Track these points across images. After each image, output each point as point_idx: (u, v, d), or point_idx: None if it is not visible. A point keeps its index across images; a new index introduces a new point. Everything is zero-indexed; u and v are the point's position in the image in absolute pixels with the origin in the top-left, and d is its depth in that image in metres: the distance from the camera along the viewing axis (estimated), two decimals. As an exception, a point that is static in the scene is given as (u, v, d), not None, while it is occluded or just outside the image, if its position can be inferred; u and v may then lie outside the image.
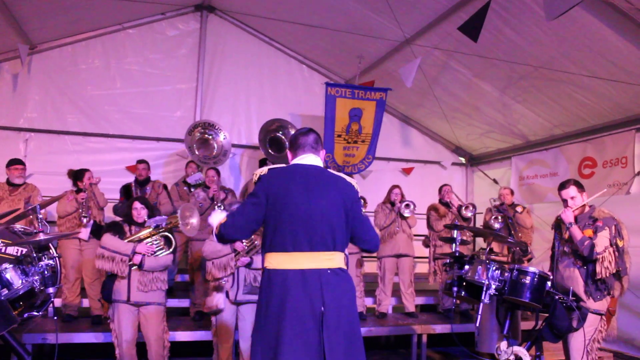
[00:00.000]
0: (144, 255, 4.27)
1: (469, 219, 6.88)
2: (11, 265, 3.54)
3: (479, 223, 7.41)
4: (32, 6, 6.31)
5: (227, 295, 4.35)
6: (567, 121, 6.86)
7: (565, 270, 4.10)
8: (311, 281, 2.56)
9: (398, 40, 6.74)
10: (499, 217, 6.53)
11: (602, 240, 3.85)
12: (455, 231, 4.85)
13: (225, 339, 4.42)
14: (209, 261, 4.35)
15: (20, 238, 3.86)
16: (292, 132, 7.23)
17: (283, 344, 2.47)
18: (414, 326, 6.20)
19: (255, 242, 4.33)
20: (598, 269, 3.85)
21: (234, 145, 8.08)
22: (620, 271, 3.90)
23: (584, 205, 4.09)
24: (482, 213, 7.12)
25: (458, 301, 5.58)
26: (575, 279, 4.01)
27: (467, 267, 4.22)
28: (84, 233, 5.57)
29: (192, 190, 6.48)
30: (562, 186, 4.17)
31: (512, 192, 6.95)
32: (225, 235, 2.70)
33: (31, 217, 5.19)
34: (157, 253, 4.36)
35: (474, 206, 6.93)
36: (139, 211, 4.47)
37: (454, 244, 4.75)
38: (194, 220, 4.42)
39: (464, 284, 4.22)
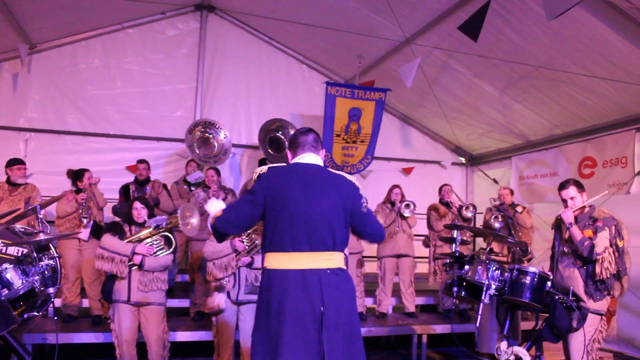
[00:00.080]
0: (144, 255, 4.27)
1: (469, 219, 6.88)
2: (11, 266, 3.54)
3: (479, 223, 7.41)
4: (32, 6, 6.31)
5: (229, 296, 4.35)
6: (567, 121, 6.86)
7: (565, 270, 4.10)
8: (311, 281, 2.56)
9: (398, 39, 6.74)
10: (499, 217, 6.54)
11: (602, 241, 3.85)
12: (455, 231, 4.85)
13: (226, 339, 4.42)
14: (210, 262, 4.35)
15: (21, 238, 3.87)
16: (292, 132, 7.22)
17: (283, 344, 2.47)
18: (414, 326, 6.20)
19: (256, 242, 4.33)
20: (598, 269, 3.85)
21: (234, 145, 8.08)
22: (620, 271, 3.90)
23: (584, 206, 4.09)
24: (482, 213, 7.12)
25: (457, 301, 5.58)
26: (575, 279, 4.01)
27: (467, 267, 4.22)
28: (84, 233, 5.56)
29: (192, 188, 6.49)
30: (562, 186, 4.17)
31: (512, 192, 6.95)
32: (218, 228, 2.71)
33: (32, 217, 5.21)
34: (157, 253, 4.36)
35: (474, 207, 6.93)
36: (139, 211, 4.47)
37: (454, 244, 4.75)
38: (194, 220, 4.42)
39: (464, 284, 4.23)
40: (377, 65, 7.71)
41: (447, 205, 6.85)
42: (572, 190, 4.09)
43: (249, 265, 4.38)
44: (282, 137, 7.44)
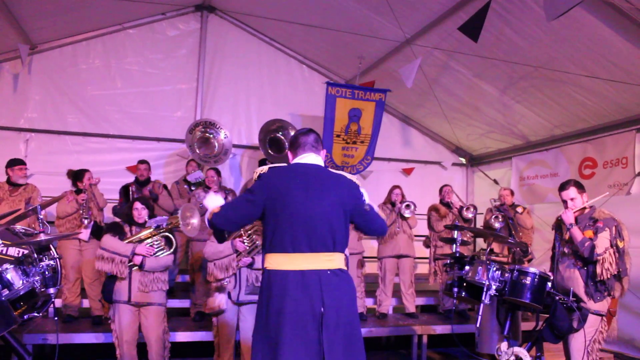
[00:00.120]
0: (144, 256, 4.27)
1: (469, 220, 6.88)
2: (12, 266, 3.55)
3: (479, 224, 7.41)
4: (33, 6, 6.31)
5: (229, 296, 4.35)
6: (567, 121, 6.86)
7: (565, 271, 4.10)
8: (311, 282, 2.56)
9: (398, 40, 6.74)
10: (500, 217, 6.54)
11: (603, 242, 3.85)
12: (456, 232, 4.85)
13: (227, 339, 4.42)
14: (211, 262, 4.35)
15: (21, 239, 3.87)
16: (292, 132, 7.23)
17: (283, 344, 2.47)
18: (414, 327, 6.20)
19: (257, 243, 4.33)
20: (599, 270, 3.85)
21: (234, 146, 8.08)
22: (620, 272, 3.90)
23: (584, 207, 4.09)
24: (482, 214, 7.13)
25: (457, 301, 5.58)
26: (575, 279, 4.01)
27: (467, 267, 4.22)
28: (85, 234, 5.57)
29: (192, 188, 6.50)
30: (562, 187, 4.17)
31: (512, 193, 6.95)
32: (215, 224, 2.72)
33: (33, 217, 5.21)
34: (158, 253, 4.36)
35: (474, 207, 6.93)
36: (140, 211, 4.47)
37: (454, 245, 4.75)
38: (195, 221, 4.41)
39: (465, 284, 4.23)
40: (378, 65, 7.71)
41: (448, 205, 6.85)
42: (572, 191, 4.09)
43: (250, 266, 4.38)
44: (282, 137, 7.44)
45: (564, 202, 4.15)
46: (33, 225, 4.97)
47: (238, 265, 4.32)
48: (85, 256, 5.61)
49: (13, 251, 3.77)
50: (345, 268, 2.72)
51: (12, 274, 3.52)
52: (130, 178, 6.73)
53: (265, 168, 2.73)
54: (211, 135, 7.22)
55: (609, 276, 3.86)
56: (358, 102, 7.30)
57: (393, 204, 6.61)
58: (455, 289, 4.25)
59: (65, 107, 7.52)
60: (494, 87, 6.83)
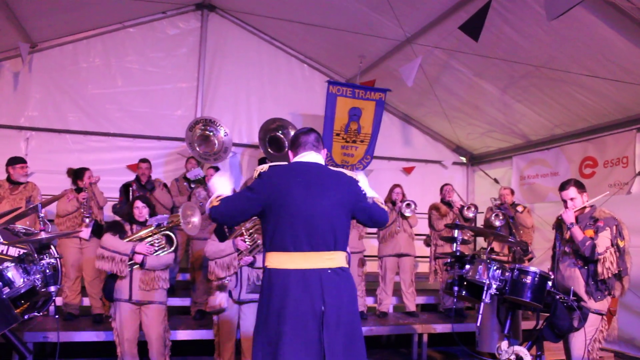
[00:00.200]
0: (144, 255, 4.28)
1: (470, 219, 6.88)
2: (13, 264, 3.55)
3: (480, 223, 7.42)
4: (33, 5, 6.31)
5: (230, 295, 4.35)
6: (568, 121, 6.86)
7: (566, 270, 4.10)
8: (312, 281, 2.55)
9: (399, 39, 6.74)
10: (500, 215, 6.54)
11: (604, 241, 3.85)
12: (456, 231, 4.85)
13: (228, 337, 4.42)
14: (212, 261, 4.35)
15: (21, 239, 3.87)
16: (292, 132, 7.24)
17: (283, 343, 2.47)
18: (414, 325, 6.21)
19: (258, 242, 4.33)
20: (600, 269, 3.85)
21: (235, 144, 8.08)
22: (621, 271, 3.91)
23: (584, 206, 4.10)
24: (483, 213, 7.13)
25: (456, 300, 5.59)
26: (576, 279, 4.01)
27: (468, 266, 4.23)
28: (85, 232, 5.57)
29: (192, 185, 6.51)
30: (562, 187, 4.17)
31: (512, 192, 6.95)
32: (213, 217, 2.71)
33: (34, 215, 5.21)
34: (159, 252, 4.37)
35: (475, 207, 6.94)
36: (141, 210, 4.47)
37: (454, 244, 4.75)
38: (196, 219, 4.42)
39: (465, 283, 4.23)
40: (378, 64, 7.71)
41: (449, 204, 6.85)
42: (572, 191, 4.09)
43: (251, 265, 4.38)
44: (282, 136, 7.44)
45: (564, 201, 4.15)
46: (29, 223, 4.97)
47: (239, 264, 4.33)
48: (85, 255, 5.62)
49: (13, 252, 3.78)
50: (347, 266, 2.72)
51: (13, 272, 3.52)
52: (131, 176, 6.73)
53: (265, 166, 2.73)
54: (211, 133, 7.23)
55: (609, 275, 3.86)
56: (358, 101, 7.31)
57: (394, 203, 6.61)
58: (456, 288, 4.26)
59: (65, 105, 7.52)
60: (495, 87, 6.83)
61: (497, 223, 6.51)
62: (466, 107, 7.69)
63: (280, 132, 7.45)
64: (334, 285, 2.59)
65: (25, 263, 3.64)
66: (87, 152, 7.45)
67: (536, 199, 7.64)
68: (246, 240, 4.34)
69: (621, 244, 3.90)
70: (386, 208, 2.96)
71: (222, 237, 4.38)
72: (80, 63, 7.62)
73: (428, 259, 7.22)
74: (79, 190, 5.69)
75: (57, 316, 4.90)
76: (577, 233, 3.95)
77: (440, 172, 9.17)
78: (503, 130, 7.90)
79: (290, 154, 2.87)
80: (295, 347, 2.47)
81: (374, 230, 7.02)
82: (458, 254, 4.50)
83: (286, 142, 7.35)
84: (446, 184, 7.08)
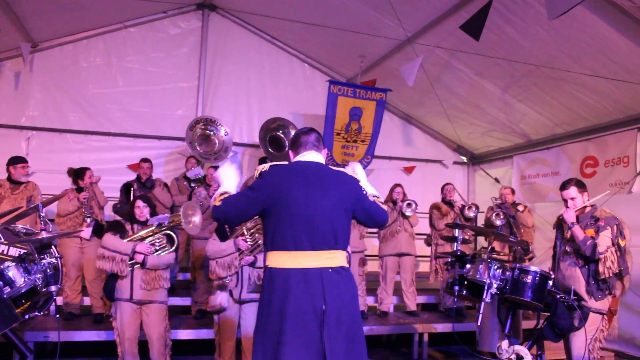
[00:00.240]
0: (147, 253, 4.28)
1: (471, 219, 6.88)
2: (13, 264, 3.55)
3: (480, 222, 7.41)
4: (34, 4, 6.32)
5: (231, 294, 4.35)
6: (568, 120, 6.85)
7: (567, 269, 4.10)
8: (312, 280, 2.55)
9: (400, 39, 6.73)
10: (501, 214, 6.54)
11: (604, 240, 3.85)
12: (457, 230, 4.85)
13: (228, 337, 4.43)
14: (213, 260, 4.35)
15: (21, 238, 3.87)
16: (293, 132, 7.24)
17: (284, 342, 2.47)
18: (415, 325, 6.21)
19: (259, 241, 4.33)
20: (601, 268, 3.85)
21: (235, 144, 8.08)
22: (622, 271, 3.90)
23: (585, 205, 4.09)
24: (483, 212, 7.13)
25: (456, 299, 5.59)
26: (576, 278, 4.01)
27: (468, 266, 4.22)
28: (86, 232, 5.58)
29: (192, 185, 6.52)
30: (563, 186, 4.17)
31: (512, 192, 6.95)
32: (215, 216, 2.71)
33: (35, 215, 5.22)
34: (160, 251, 4.37)
35: (476, 206, 6.93)
36: (142, 210, 4.47)
37: (455, 243, 4.75)
38: (197, 219, 4.42)
39: (466, 282, 4.23)
40: (379, 64, 7.71)
41: (450, 204, 6.85)
42: (572, 191, 4.09)
43: (252, 264, 4.38)
44: (283, 136, 7.44)
45: (565, 201, 4.15)
46: (30, 222, 4.97)
47: (240, 264, 4.33)
48: (86, 254, 5.62)
49: (14, 252, 3.78)
50: (348, 265, 2.72)
51: (13, 272, 3.52)
52: (131, 176, 6.74)
53: (266, 166, 2.73)
54: (211, 133, 7.23)
55: (610, 275, 3.86)
56: (359, 100, 7.31)
57: (394, 203, 6.62)
58: (456, 288, 4.25)
59: (66, 105, 7.52)
60: (496, 86, 6.83)
61: (498, 222, 6.51)
62: (467, 107, 7.69)
63: (280, 131, 7.45)
64: (335, 284, 2.59)
65: (26, 263, 3.65)
66: (87, 151, 7.46)
67: (537, 198, 7.64)
68: (247, 239, 4.35)
69: (622, 243, 3.89)
70: (386, 208, 2.96)
71: (223, 237, 4.38)
72: (81, 63, 7.63)
73: (429, 259, 7.22)
74: (79, 189, 5.69)
75: (57, 316, 4.92)
76: (578, 232, 3.95)
77: (441, 171, 9.17)
78: (504, 130, 7.90)
79: (290, 153, 2.87)
80: (296, 347, 2.47)
81: (375, 229, 7.02)
82: (459, 253, 4.49)
83: (286, 142, 7.35)
84: (447, 184, 7.07)
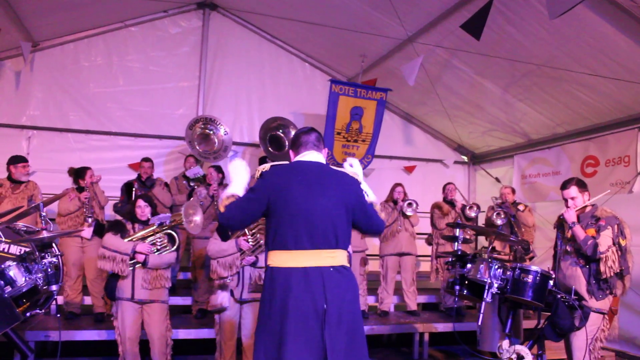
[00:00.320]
0: (148, 253, 4.28)
1: (472, 218, 6.88)
2: (14, 263, 3.56)
3: (481, 222, 7.41)
4: (35, 4, 6.32)
5: (232, 294, 4.36)
6: (569, 120, 6.85)
7: (567, 269, 4.10)
8: (313, 279, 2.56)
9: (400, 38, 6.73)
10: (501, 213, 6.54)
11: (605, 240, 3.86)
12: (458, 230, 4.85)
13: (229, 336, 4.43)
14: (214, 260, 4.35)
15: (23, 237, 3.88)
16: (293, 131, 7.24)
17: (286, 341, 2.47)
18: (415, 324, 6.21)
19: (261, 242, 4.33)
20: (602, 268, 3.85)
21: (236, 143, 8.09)
22: (622, 270, 3.91)
23: (585, 205, 4.09)
24: (484, 212, 7.13)
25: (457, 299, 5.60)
26: (577, 278, 4.01)
27: (469, 265, 4.22)
28: (87, 232, 5.58)
29: (191, 183, 6.52)
30: (564, 186, 4.17)
31: (513, 191, 6.95)
32: (222, 222, 2.72)
33: (35, 214, 5.22)
34: (161, 251, 4.37)
35: (478, 206, 6.93)
36: (143, 209, 4.48)
37: (456, 243, 4.75)
38: (198, 218, 4.43)
39: (466, 282, 4.23)
40: (379, 63, 7.70)
41: (451, 203, 6.85)
42: (573, 191, 4.09)
43: (253, 264, 4.39)
44: (283, 135, 7.44)
45: (565, 200, 4.15)
46: (30, 222, 4.97)
47: (241, 264, 4.33)
48: (87, 254, 5.63)
49: (15, 250, 3.79)
50: (349, 265, 2.72)
51: (14, 271, 3.53)
52: (132, 175, 6.74)
53: (267, 166, 2.74)
54: (211, 132, 7.22)
55: (611, 274, 3.86)
56: (360, 100, 7.31)
57: (395, 202, 6.62)
58: (457, 287, 4.26)
59: (67, 104, 7.52)
60: (496, 85, 6.82)
61: (499, 222, 6.51)
62: (467, 106, 7.68)
63: (280, 131, 7.45)
64: (336, 283, 2.60)
65: (27, 262, 3.65)
66: (88, 151, 7.46)
67: (537, 198, 7.64)
68: (249, 240, 4.35)
69: (623, 242, 3.90)
70: (384, 216, 2.96)
71: (224, 236, 4.38)
72: (81, 62, 7.62)
73: (429, 258, 7.23)
74: (80, 189, 5.69)
75: (58, 315, 4.93)
76: (579, 232, 3.95)
77: (441, 171, 9.17)
78: (504, 129, 7.90)
79: (291, 153, 2.88)
80: (298, 346, 2.48)
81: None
82: (459, 252, 4.49)
83: (286, 141, 7.35)
84: (449, 183, 7.07)
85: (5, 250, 3.72)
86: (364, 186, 2.88)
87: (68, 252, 5.51)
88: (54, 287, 3.72)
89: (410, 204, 6.52)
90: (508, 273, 4.03)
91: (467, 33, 5.28)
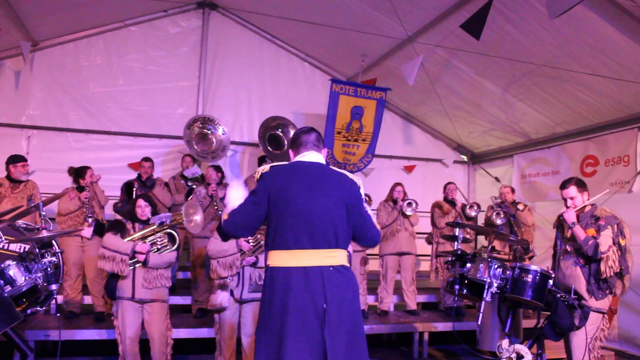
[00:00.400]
0: (147, 253, 4.28)
1: (472, 218, 6.88)
2: (14, 262, 3.56)
3: (481, 221, 7.42)
4: (35, 3, 6.32)
5: (232, 294, 4.36)
6: (569, 119, 6.85)
7: (567, 268, 4.11)
8: (313, 278, 2.57)
9: (400, 38, 6.73)
10: (501, 213, 6.55)
11: (606, 240, 3.86)
12: (457, 229, 4.85)
13: (229, 335, 4.44)
14: (214, 259, 4.36)
15: (23, 235, 3.88)
16: (292, 131, 7.24)
17: (286, 341, 2.48)
18: (415, 324, 6.21)
19: (261, 242, 4.33)
20: (602, 268, 3.85)
21: (235, 143, 8.10)
22: (622, 270, 3.91)
23: (585, 205, 4.10)
24: (484, 211, 7.13)
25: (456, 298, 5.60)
26: (577, 277, 4.02)
27: (469, 265, 4.22)
28: (87, 231, 5.58)
29: (189, 183, 6.52)
30: (563, 185, 4.18)
31: (512, 190, 6.95)
32: (227, 232, 2.73)
33: (34, 214, 5.22)
34: (162, 250, 4.37)
35: (478, 205, 6.94)
36: (143, 209, 4.47)
37: (455, 242, 4.75)
38: (198, 217, 4.43)
39: (466, 281, 4.23)
40: (379, 63, 7.70)
41: (452, 203, 6.85)
42: (572, 190, 4.09)
43: (254, 265, 4.39)
44: (282, 134, 7.43)
45: (565, 200, 4.15)
46: (28, 221, 4.98)
47: (242, 264, 4.34)
48: (87, 253, 5.63)
49: (15, 247, 3.79)
50: (349, 265, 2.72)
51: (14, 271, 3.53)
52: (132, 175, 6.74)
53: (267, 167, 2.74)
54: (209, 132, 7.21)
55: (612, 274, 3.86)
56: (361, 99, 7.32)
57: (395, 202, 6.62)
58: (457, 287, 4.25)
59: (67, 104, 7.52)
60: (496, 85, 6.83)
61: (498, 221, 6.52)
62: (467, 106, 7.69)
63: (279, 130, 7.44)
64: (336, 282, 2.60)
65: (26, 261, 3.65)
66: (88, 150, 7.46)
67: (537, 197, 7.64)
68: (249, 240, 4.35)
69: (622, 242, 3.90)
70: (379, 228, 2.95)
71: (225, 236, 4.38)
72: (81, 61, 7.62)
73: (429, 257, 7.23)
74: (80, 188, 5.69)
75: (58, 314, 4.93)
76: (580, 233, 3.95)
77: (441, 170, 9.17)
78: (504, 129, 7.90)
79: (291, 153, 2.88)
80: (299, 345, 2.48)
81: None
82: (459, 252, 4.49)
83: (285, 141, 7.35)
84: (450, 183, 7.07)
85: (5, 247, 3.72)
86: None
87: (68, 251, 5.50)
88: (53, 287, 3.72)
89: (410, 204, 6.52)
90: (508, 272, 4.03)
91: (467, 33, 5.28)
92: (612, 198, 5.55)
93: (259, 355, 2.58)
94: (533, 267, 3.96)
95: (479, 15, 5.08)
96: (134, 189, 6.17)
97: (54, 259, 3.78)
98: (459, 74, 6.94)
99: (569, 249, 4.12)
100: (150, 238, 4.36)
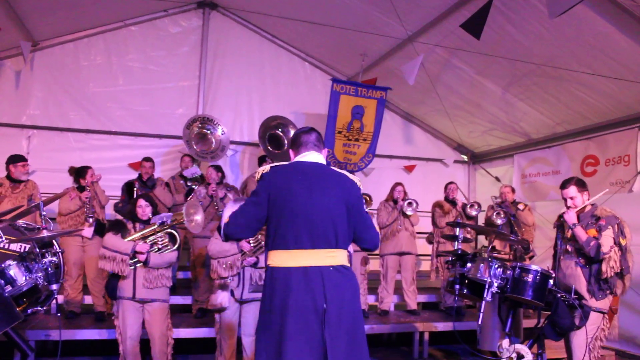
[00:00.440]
0: (148, 252, 4.28)
1: (473, 217, 6.88)
2: (15, 262, 3.55)
3: (481, 221, 7.42)
4: (34, 3, 6.32)
5: (232, 294, 4.36)
6: (569, 119, 6.85)
7: (567, 268, 4.11)
8: (313, 278, 2.57)
9: (400, 37, 6.73)
10: (501, 212, 6.54)
11: (607, 240, 3.86)
12: (458, 228, 4.85)
13: (229, 335, 4.44)
14: (215, 260, 4.36)
15: (24, 234, 3.88)
16: (292, 130, 7.23)
17: (287, 341, 2.48)
18: (415, 324, 6.21)
19: (262, 243, 4.33)
20: (604, 268, 3.85)
21: (236, 143, 8.10)
22: (623, 270, 3.91)
23: (585, 205, 4.10)
24: (484, 211, 7.13)
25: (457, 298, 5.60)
26: (577, 277, 4.02)
27: (469, 264, 4.21)
28: (88, 231, 5.58)
29: (189, 183, 6.52)
30: (564, 185, 4.18)
31: (513, 190, 6.95)
32: (229, 234, 2.73)
33: (34, 214, 5.23)
34: (163, 250, 4.38)
35: (479, 205, 6.94)
36: (144, 209, 4.47)
37: (456, 242, 4.75)
38: (199, 217, 4.43)
39: (466, 281, 4.23)
40: (380, 62, 7.70)
41: (453, 202, 6.85)
42: (572, 190, 4.09)
43: (254, 265, 4.38)
44: (282, 134, 7.43)
45: (565, 200, 4.15)
46: (28, 221, 4.98)
47: (242, 265, 4.33)
48: (88, 253, 5.63)
49: (16, 247, 3.79)
50: (349, 265, 2.72)
51: (15, 271, 3.52)
52: (132, 175, 6.73)
53: (267, 167, 2.74)
54: (208, 132, 7.20)
55: (612, 274, 3.86)
56: (361, 99, 7.33)
57: (395, 202, 6.62)
58: (457, 286, 4.25)
59: (67, 104, 7.52)
60: (496, 85, 6.83)
61: (499, 221, 6.52)
62: (468, 106, 7.69)
63: (280, 130, 7.44)
64: (336, 282, 2.60)
65: (27, 261, 3.65)
66: (88, 150, 7.46)
67: (537, 197, 7.64)
68: (250, 241, 4.35)
69: (623, 242, 3.90)
70: (378, 229, 2.95)
71: (225, 239, 4.37)
72: (81, 61, 7.62)
73: (430, 257, 7.23)
74: (81, 188, 5.69)
75: (59, 314, 4.93)
76: (581, 233, 3.95)
77: (441, 170, 9.17)
78: (504, 129, 7.90)
79: (291, 152, 2.88)
80: (299, 344, 2.49)
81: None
82: (460, 252, 4.49)
83: (285, 141, 7.34)
84: (451, 182, 7.08)
85: (5, 247, 3.72)
86: None
87: (69, 251, 5.51)
88: (54, 287, 3.72)
89: (410, 203, 6.52)
90: (508, 272, 4.03)
91: (467, 32, 5.28)
92: (612, 198, 5.55)
93: (259, 356, 2.58)
94: (533, 267, 3.96)
95: (479, 14, 5.08)
96: (135, 189, 6.17)
97: (54, 258, 3.78)
98: (459, 73, 6.94)
99: (569, 249, 4.12)
100: (150, 238, 4.36)
